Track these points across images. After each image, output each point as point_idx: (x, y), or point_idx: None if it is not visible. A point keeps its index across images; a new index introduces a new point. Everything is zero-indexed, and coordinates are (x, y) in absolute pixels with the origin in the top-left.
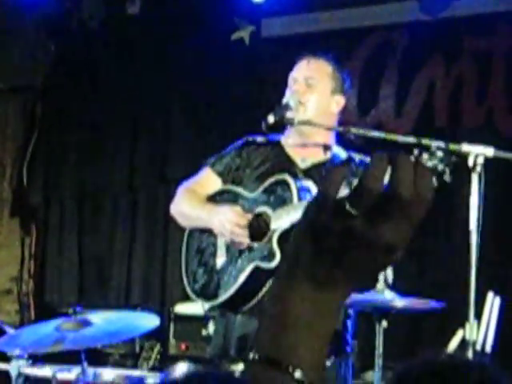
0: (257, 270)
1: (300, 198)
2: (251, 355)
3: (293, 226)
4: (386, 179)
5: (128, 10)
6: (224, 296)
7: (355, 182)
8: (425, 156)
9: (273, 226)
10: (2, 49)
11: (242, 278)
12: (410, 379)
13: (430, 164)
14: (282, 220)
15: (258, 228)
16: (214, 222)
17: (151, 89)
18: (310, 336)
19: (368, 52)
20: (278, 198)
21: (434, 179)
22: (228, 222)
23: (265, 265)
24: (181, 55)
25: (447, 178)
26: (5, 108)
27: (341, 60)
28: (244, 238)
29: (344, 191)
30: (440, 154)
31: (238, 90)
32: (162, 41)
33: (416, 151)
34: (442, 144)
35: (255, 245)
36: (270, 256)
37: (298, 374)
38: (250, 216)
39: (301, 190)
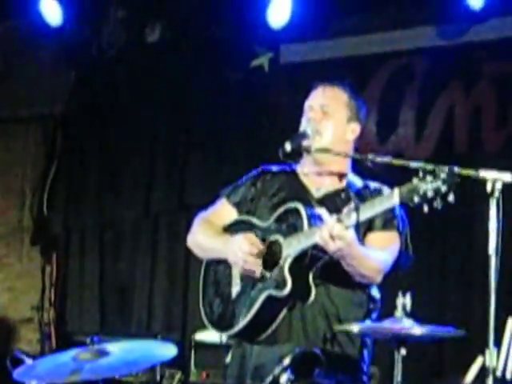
0: (270, 299)
1: (311, 225)
2: None
3: (304, 253)
4: None
5: (147, 37)
6: (239, 326)
7: (362, 205)
8: (428, 178)
9: (284, 253)
10: (23, 77)
11: (255, 307)
12: None
13: (434, 185)
14: (293, 247)
15: (271, 256)
16: (228, 252)
17: (171, 116)
18: None
19: (386, 78)
20: (290, 225)
21: (438, 200)
22: (240, 251)
23: (277, 293)
24: (201, 82)
25: (451, 198)
26: (25, 136)
27: (359, 86)
28: (256, 267)
29: (352, 218)
30: (443, 175)
31: (257, 117)
32: (181, 68)
33: (420, 173)
34: (460, 170)
35: (268, 274)
36: (282, 284)
37: None
38: (262, 245)
39: (311, 217)
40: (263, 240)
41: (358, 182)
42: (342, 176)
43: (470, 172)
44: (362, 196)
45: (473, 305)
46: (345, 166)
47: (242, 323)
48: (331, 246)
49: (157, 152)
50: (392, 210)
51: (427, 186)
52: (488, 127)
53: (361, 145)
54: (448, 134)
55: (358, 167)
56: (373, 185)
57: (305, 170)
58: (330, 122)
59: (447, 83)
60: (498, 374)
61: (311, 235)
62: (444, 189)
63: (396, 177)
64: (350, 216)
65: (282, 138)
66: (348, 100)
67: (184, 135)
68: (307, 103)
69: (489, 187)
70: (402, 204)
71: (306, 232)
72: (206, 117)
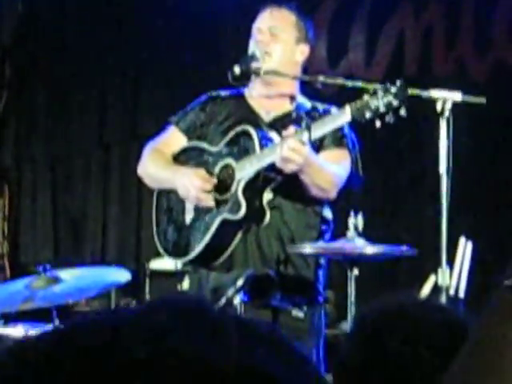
0: (225, 223)
1: (262, 147)
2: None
3: (257, 175)
4: None
5: None
6: (194, 252)
7: (313, 124)
8: (379, 93)
9: (237, 176)
10: None
11: (210, 232)
12: (368, 323)
13: (384, 100)
14: (246, 170)
15: (224, 180)
16: (178, 186)
17: (120, 46)
18: None
19: (336, 2)
20: (241, 148)
21: (390, 115)
22: (192, 188)
23: (231, 216)
24: (149, 12)
25: (403, 112)
26: None
27: (309, 10)
28: (209, 202)
29: (305, 135)
30: (394, 89)
31: (205, 42)
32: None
33: (371, 89)
34: (411, 90)
35: (221, 198)
36: (237, 207)
37: None
38: (214, 180)
39: (263, 138)
40: (214, 164)
41: (306, 104)
42: (291, 98)
43: (421, 92)
44: (311, 116)
45: (425, 224)
46: (294, 88)
47: (197, 249)
48: (289, 165)
49: (107, 83)
50: (341, 130)
51: (378, 102)
52: (438, 50)
53: (311, 70)
54: (398, 58)
55: (307, 90)
56: (321, 106)
57: (253, 93)
58: (278, 43)
59: (397, 6)
60: (451, 292)
61: (264, 157)
62: (396, 103)
63: (346, 100)
64: (303, 134)
65: (230, 63)
66: (296, 21)
67: (134, 65)
68: (255, 25)
69: (439, 107)
70: (354, 120)
71: (258, 154)
72: (154, 46)
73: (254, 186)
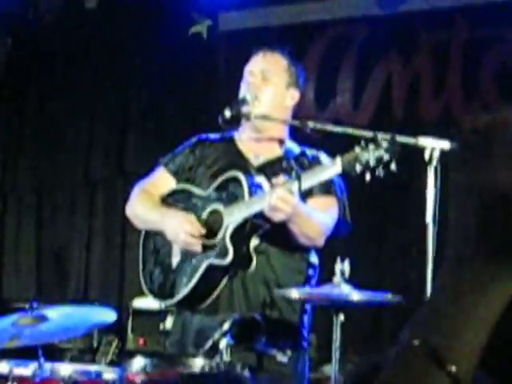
0: (211, 268)
1: (251, 194)
2: (408, 340)
3: (245, 222)
4: None
5: (86, 4)
6: (180, 295)
7: (303, 174)
8: (370, 146)
9: (225, 222)
10: None
11: (196, 276)
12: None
13: (376, 154)
14: (234, 216)
15: (211, 226)
16: (167, 229)
17: (109, 82)
18: (471, 327)
19: (325, 46)
20: (230, 194)
21: (380, 169)
22: (182, 232)
23: (218, 262)
24: (139, 49)
25: (393, 167)
26: None
27: (298, 54)
28: (197, 247)
29: (295, 185)
30: (385, 144)
31: (196, 84)
32: (120, 35)
33: (362, 142)
34: (398, 137)
35: (209, 242)
36: (224, 253)
37: (453, 369)
38: (202, 227)
39: (252, 185)
40: (202, 209)
41: (295, 149)
42: (280, 143)
43: (409, 139)
44: (300, 163)
45: (410, 272)
46: (283, 132)
47: (182, 293)
48: (278, 214)
49: (95, 119)
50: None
51: (369, 155)
52: (425, 96)
53: (299, 112)
54: (386, 103)
55: (295, 134)
56: (310, 152)
57: (243, 136)
58: (269, 87)
59: (385, 52)
60: None
61: (252, 204)
62: (386, 157)
63: (334, 144)
64: (293, 184)
65: (220, 106)
66: (288, 66)
67: (122, 103)
68: (247, 68)
69: (427, 155)
70: (345, 173)
71: (246, 201)
72: (144, 85)
73: (242, 233)
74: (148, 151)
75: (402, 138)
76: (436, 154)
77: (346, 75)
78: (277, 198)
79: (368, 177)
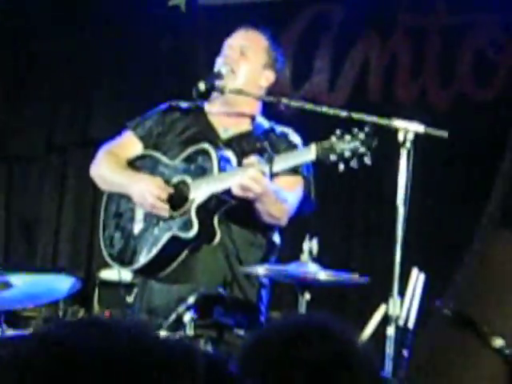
0: (174, 239)
1: (220, 169)
2: (441, 308)
3: (212, 197)
4: None
5: None
6: (139, 263)
7: (276, 157)
8: (346, 137)
9: (192, 195)
10: None
11: (158, 246)
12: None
13: (352, 145)
14: (202, 190)
15: (176, 196)
16: (134, 191)
17: (76, 51)
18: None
19: (303, 24)
20: (199, 167)
21: (355, 160)
22: (149, 194)
23: (182, 234)
24: (113, 16)
25: (368, 160)
26: None
27: (276, 32)
28: (164, 212)
29: (267, 167)
30: (362, 136)
31: (169, 55)
32: (96, 4)
33: (338, 132)
34: (372, 118)
35: (173, 214)
36: (188, 226)
37: (497, 343)
38: (170, 189)
39: (221, 160)
40: (169, 178)
41: (264, 124)
42: (251, 119)
43: (383, 121)
44: (268, 138)
45: (378, 253)
46: (255, 109)
47: (142, 261)
48: (247, 193)
49: (61, 85)
50: None
51: (344, 146)
52: (402, 78)
53: (274, 90)
54: (362, 84)
55: (269, 112)
56: (279, 128)
57: (213, 109)
58: (246, 63)
59: (363, 33)
60: (401, 323)
61: (221, 180)
62: (362, 150)
63: (308, 123)
64: (265, 166)
65: (194, 79)
66: (267, 47)
67: (89, 69)
68: (227, 42)
69: (400, 137)
70: (318, 161)
71: (215, 176)
72: (114, 51)
73: (207, 207)
74: (115, 118)
75: (376, 119)
76: (409, 137)
77: (323, 55)
78: (248, 178)
79: (342, 167)
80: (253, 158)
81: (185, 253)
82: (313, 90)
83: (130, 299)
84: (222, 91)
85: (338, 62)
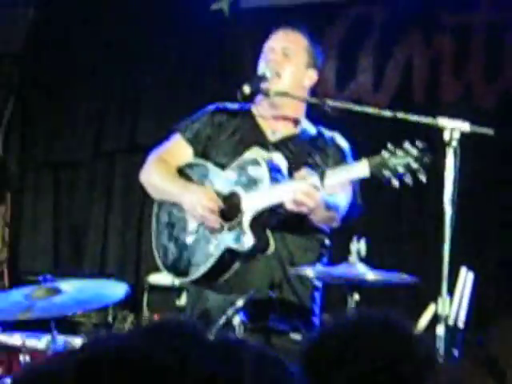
0: (228, 252)
1: (271, 180)
2: None
3: (264, 211)
4: None
5: None
6: (195, 275)
7: (328, 171)
8: (398, 153)
9: (244, 207)
10: None
11: (213, 258)
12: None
13: (404, 161)
14: (254, 202)
15: (229, 208)
16: (186, 201)
17: (125, 56)
18: None
19: (346, 26)
20: (250, 178)
21: (408, 176)
22: (200, 206)
23: (237, 247)
24: (158, 22)
25: (422, 177)
26: None
27: (319, 34)
28: (216, 224)
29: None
30: (415, 152)
31: (213, 58)
32: (139, 9)
33: (390, 146)
34: (417, 118)
35: (226, 225)
36: (242, 238)
37: None
38: (222, 201)
39: (272, 170)
40: (220, 188)
41: (311, 129)
42: (296, 121)
43: (428, 120)
44: (316, 143)
45: (427, 253)
46: (300, 111)
47: (197, 272)
48: (301, 208)
49: (110, 91)
50: (345, 158)
51: (397, 161)
52: (446, 77)
53: (318, 92)
54: (406, 83)
55: (314, 112)
56: (326, 133)
57: (260, 110)
58: (290, 64)
59: (406, 32)
60: (450, 322)
61: (274, 194)
62: (415, 166)
63: (353, 124)
64: (316, 180)
65: (238, 82)
66: (308, 46)
67: (138, 76)
68: (268, 45)
69: (446, 136)
70: (372, 176)
71: (268, 189)
72: (161, 57)
73: (261, 219)
74: (162, 124)
75: (421, 118)
76: (456, 135)
77: (367, 55)
78: (301, 193)
79: (396, 183)
80: (304, 171)
81: (239, 263)
82: (357, 90)
83: (179, 303)
84: (266, 94)
85: (381, 63)
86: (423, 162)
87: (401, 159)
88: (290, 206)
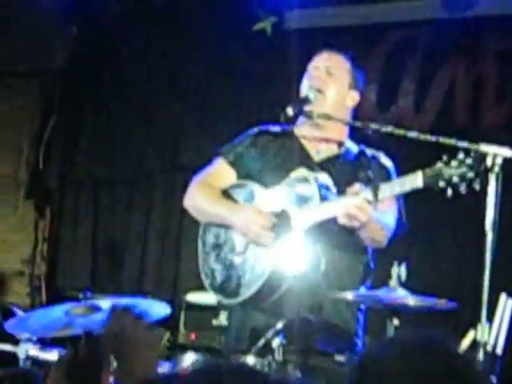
0: (277, 271)
1: (321, 197)
2: None
3: (315, 226)
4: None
5: None
6: (245, 295)
7: (382, 185)
8: (453, 163)
9: (294, 225)
10: (21, 31)
11: (263, 278)
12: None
13: (459, 171)
14: (305, 219)
15: (279, 226)
16: (237, 222)
17: (168, 76)
18: None
19: (389, 48)
20: (299, 196)
21: (463, 185)
22: (253, 224)
23: (287, 266)
24: (202, 43)
25: (477, 185)
26: (23, 91)
27: (361, 56)
28: (270, 240)
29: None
30: (469, 161)
31: (256, 79)
32: (184, 29)
33: (445, 157)
34: (460, 143)
35: (276, 244)
36: (293, 256)
37: None
38: (274, 219)
39: (321, 187)
40: (268, 207)
41: (354, 148)
42: (340, 143)
43: (471, 145)
44: (360, 164)
45: (467, 279)
46: (343, 133)
47: (246, 293)
48: (353, 222)
49: (151, 112)
50: (390, 176)
51: (452, 171)
52: (489, 101)
53: (360, 113)
54: (448, 107)
55: (356, 135)
56: (369, 151)
57: (303, 132)
58: (333, 83)
59: (449, 56)
60: (489, 348)
61: (324, 210)
62: (470, 175)
63: (393, 147)
64: (369, 194)
65: (280, 103)
66: (350, 68)
67: (180, 96)
68: (311, 64)
69: (489, 161)
70: (426, 187)
71: (317, 206)
72: (204, 78)
73: (312, 236)
74: (204, 146)
75: (464, 144)
76: (498, 161)
77: (410, 78)
78: (354, 207)
79: (450, 193)
80: (357, 186)
81: (287, 284)
82: (399, 112)
83: (216, 322)
84: (309, 116)
85: (424, 85)
86: (477, 170)
87: (455, 169)
88: (342, 221)
